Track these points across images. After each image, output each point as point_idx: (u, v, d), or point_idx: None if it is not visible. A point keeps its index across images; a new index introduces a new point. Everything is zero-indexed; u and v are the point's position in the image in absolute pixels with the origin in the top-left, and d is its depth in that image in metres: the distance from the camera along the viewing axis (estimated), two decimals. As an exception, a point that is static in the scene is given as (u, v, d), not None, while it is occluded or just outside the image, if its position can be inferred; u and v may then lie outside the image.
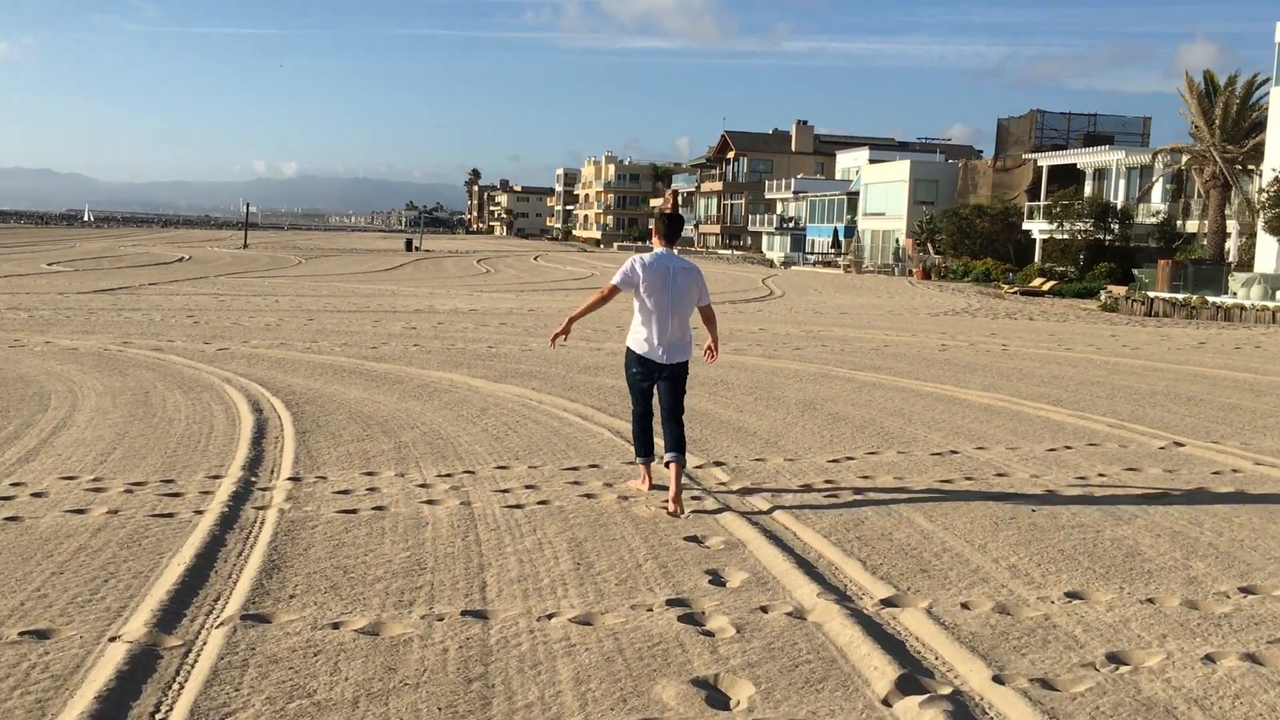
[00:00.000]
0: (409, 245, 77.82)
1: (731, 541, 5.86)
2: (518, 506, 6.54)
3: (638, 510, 6.49)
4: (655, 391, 6.81)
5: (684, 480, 6.88)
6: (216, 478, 7.20)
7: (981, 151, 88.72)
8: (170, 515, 6.22)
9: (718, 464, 7.86)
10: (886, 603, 4.91)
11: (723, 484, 7.25)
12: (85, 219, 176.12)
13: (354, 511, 6.36)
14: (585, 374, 12.71)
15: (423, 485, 7.06)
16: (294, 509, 6.39)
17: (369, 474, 7.38)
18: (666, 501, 6.46)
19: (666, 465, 6.50)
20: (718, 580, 5.20)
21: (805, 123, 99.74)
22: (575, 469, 7.62)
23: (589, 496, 6.82)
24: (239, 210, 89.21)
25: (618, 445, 8.47)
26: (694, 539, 5.91)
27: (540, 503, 6.64)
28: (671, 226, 6.77)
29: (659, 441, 6.93)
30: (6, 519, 6.05)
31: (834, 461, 8.04)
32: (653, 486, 6.88)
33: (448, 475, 7.36)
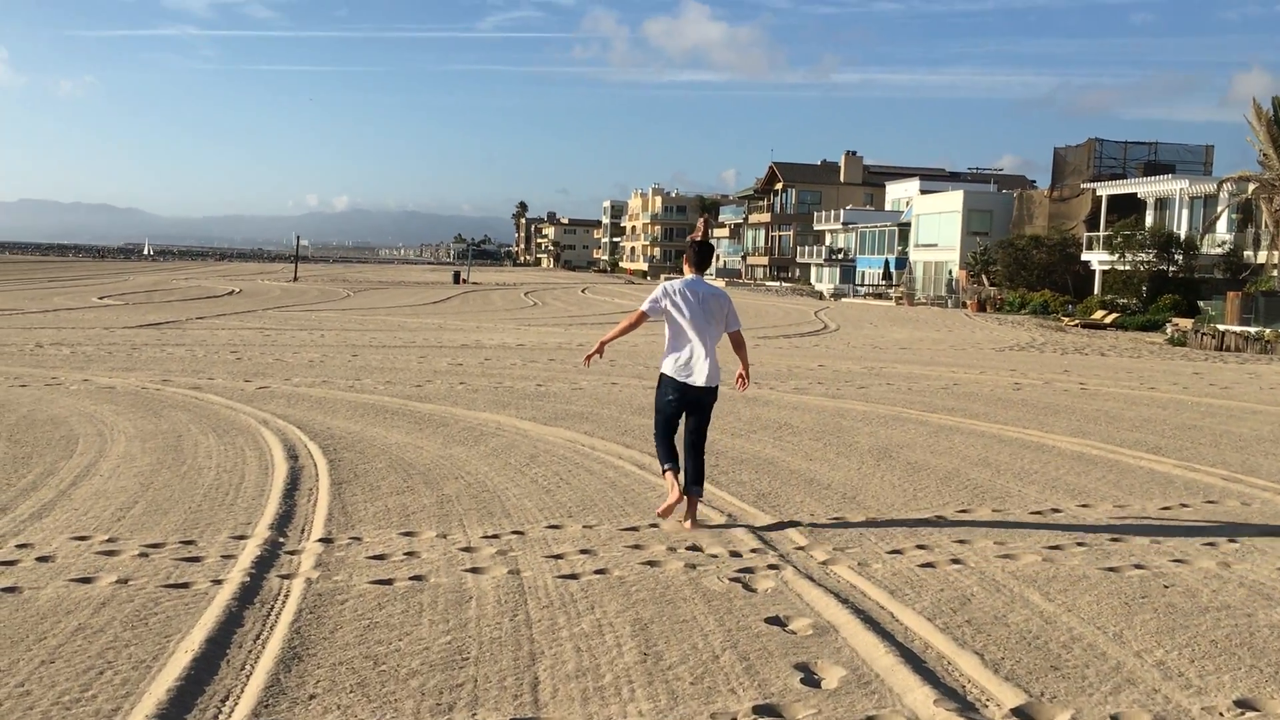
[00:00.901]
0: (456, 278, 77.86)
1: (821, 625, 5.06)
2: (572, 577, 5.79)
3: (708, 583, 5.71)
4: (682, 418, 6.97)
5: (759, 544, 6.36)
6: (241, 538, 6.53)
7: (1034, 181, 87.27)
8: (185, 586, 5.55)
9: (792, 524, 7.06)
10: (1019, 714, 4.08)
11: (801, 548, 6.45)
12: (145, 253, 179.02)
13: (389, 582, 5.65)
14: (639, 416, 11.97)
15: (466, 549, 6.33)
16: (323, 578, 5.69)
17: (408, 534, 6.67)
18: (683, 520, 6.82)
19: (685, 494, 6.82)
20: (810, 679, 4.41)
21: (854, 153, 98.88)
22: (634, 529, 6.86)
23: (652, 564, 6.05)
24: (291, 243, 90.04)
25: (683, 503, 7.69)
26: (777, 621, 5.12)
27: (598, 572, 5.89)
28: (701, 254, 6.95)
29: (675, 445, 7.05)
30: (3, 590, 5.41)
31: (923, 522, 7.21)
32: (681, 499, 6.93)
33: (494, 536, 6.64)
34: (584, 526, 6.92)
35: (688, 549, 6.40)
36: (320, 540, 6.47)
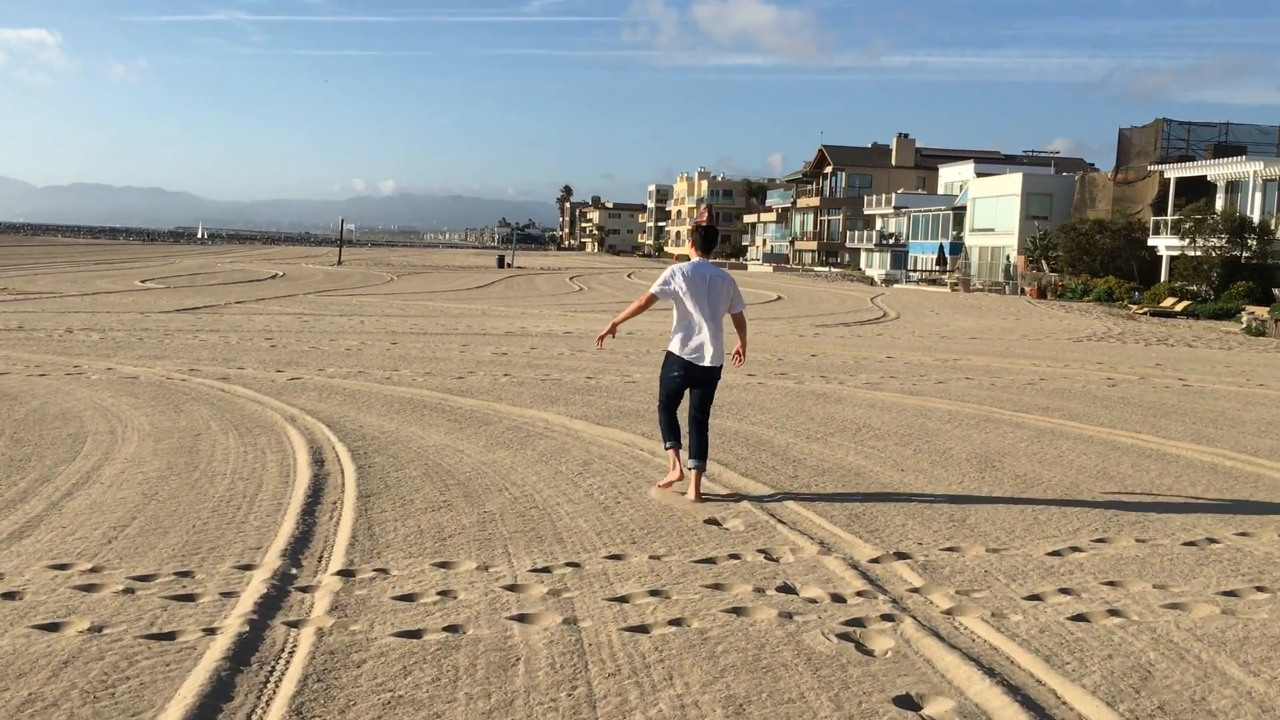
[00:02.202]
0: (501, 262, 77.06)
1: (967, 710, 3.93)
2: (642, 630, 4.70)
3: (811, 641, 4.59)
4: (685, 395, 7.24)
5: (865, 583, 5.38)
6: (248, 568, 5.51)
7: (1093, 165, 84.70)
8: (170, 637, 4.53)
9: (900, 556, 5.91)
10: None
11: (916, 590, 5.31)
12: (200, 236, 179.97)
13: (418, 635, 4.59)
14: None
15: (512, 587, 5.26)
16: (338, 628, 4.65)
17: (443, 565, 5.61)
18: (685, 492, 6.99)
19: (689, 469, 7.07)
20: (974, 800, 3.28)
21: (906, 135, 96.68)
22: (710, 562, 5.75)
23: (738, 613, 4.94)
24: (337, 227, 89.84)
25: (761, 522, 6.57)
26: (908, 703, 3.99)
27: (673, 623, 4.79)
28: (707, 238, 7.22)
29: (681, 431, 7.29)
30: (-51, 641, 4.42)
31: (1055, 554, 6.02)
32: (682, 477, 7.18)
33: (545, 570, 5.56)
34: (650, 557, 5.82)
35: (779, 589, 5.28)
36: (339, 573, 5.43)
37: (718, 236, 7.35)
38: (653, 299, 7.16)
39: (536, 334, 21.02)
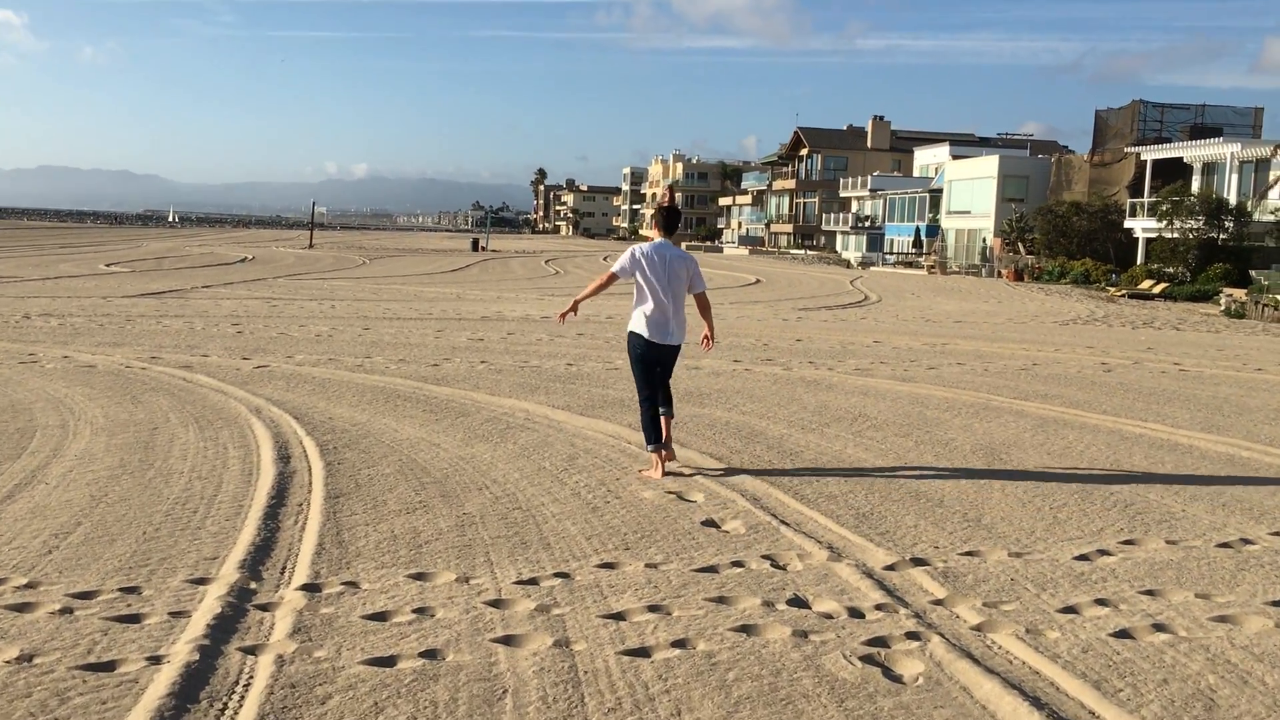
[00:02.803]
0: (475, 245, 76.22)
1: (1017, 749, 3.46)
2: (643, 653, 4.21)
3: (832, 665, 4.12)
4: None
5: (884, 595, 4.91)
6: (201, 581, 4.97)
7: (1067, 147, 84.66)
8: (110, 667, 4.00)
9: (917, 562, 5.44)
10: None
11: (939, 602, 4.84)
12: (171, 220, 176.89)
13: (391, 662, 4.08)
14: (690, 404, 10.36)
15: (496, 602, 4.75)
16: (300, 654, 4.13)
17: (419, 577, 5.10)
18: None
19: (650, 451, 7.22)
20: None
21: (882, 118, 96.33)
22: (713, 571, 5.26)
23: (748, 632, 4.46)
24: (310, 210, 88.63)
25: (762, 524, 6.10)
26: (950, 741, 3.52)
27: (677, 645, 4.30)
28: (669, 219, 7.36)
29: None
30: None
31: (1083, 559, 5.58)
32: (665, 474, 7.15)
33: (531, 581, 5.05)
34: (646, 565, 5.32)
35: (790, 603, 4.80)
36: (304, 587, 4.91)
37: (680, 217, 7.53)
38: (614, 277, 7.32)
39: (513, 318, 20.46)
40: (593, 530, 5.94)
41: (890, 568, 5.32)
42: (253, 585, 4.95)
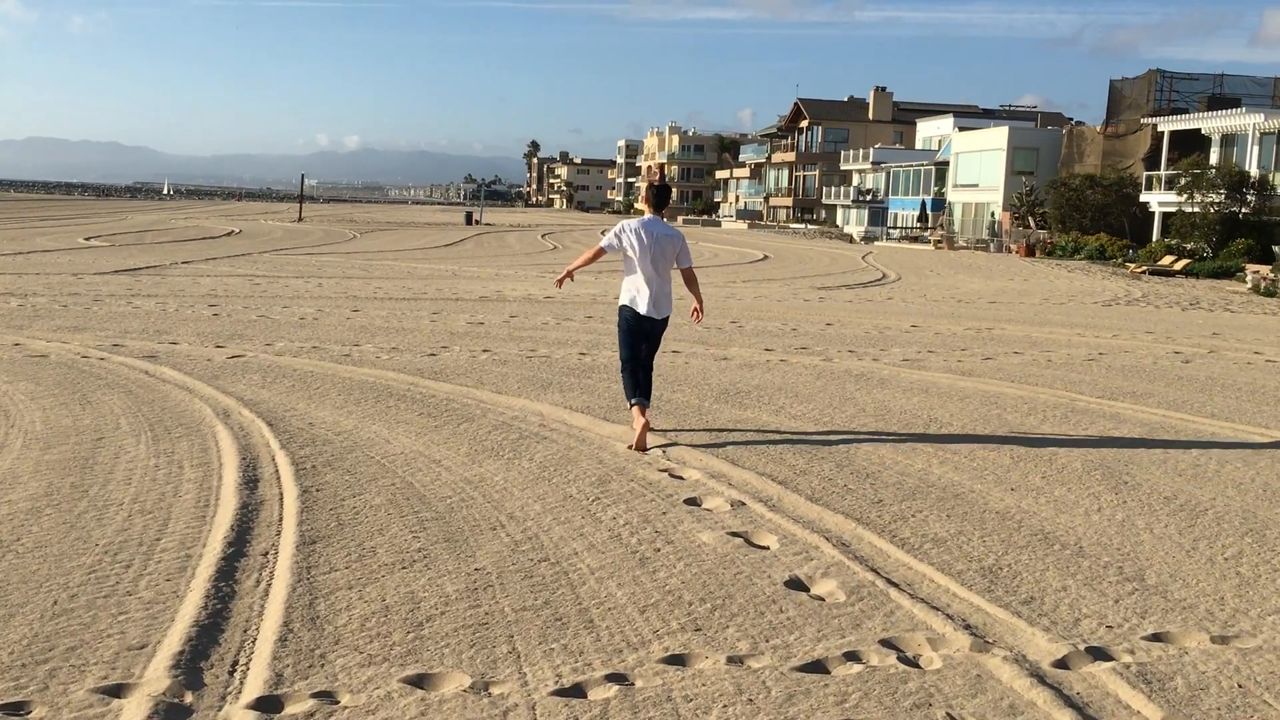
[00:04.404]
0: (469, 219, 74.51)
1: None
2: (761, 838, 2.79)
3: None
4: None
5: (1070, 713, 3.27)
6: (115, 693, 3.56)
7: (1072, 119, 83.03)
8: None
9: (1095, 654, 4.02)
10: None
11: (1139, 716, 3.44)
12: (165, 192, 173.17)
13: None
14: (729, 405, 8.94)
15: (531, 732, 3.34)
16: (243, 847, 2.70)
17: (418, 681, 3.69)
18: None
19: (633, 403, 7.29)
20: None
21: (884, 89, 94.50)
22: (822, 670, 3.85)
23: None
24: (300, 183, 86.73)
25: (865, 587, 4.68)
26: None
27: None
28: (659, 196, 7.49)
29: None
30: None
31: (1310, 644, 4.17)
32: (648, 428, 7.24)
33: (575, 690, 3.64)
34: (729, 660, 3.91)
35: (944, 729, 3.39)
36: (258, 704, 3.49)
37: (669, 194, 7.68)
38: (601, 252, 7.55)
39: (515, 298, 18.99)
40: (646, 596, 4.53)
41: (1062, 664, 3.91)
42: (187, 698, 3.53)
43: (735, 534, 5.42)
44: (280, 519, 5.55)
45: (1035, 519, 5.81)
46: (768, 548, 5.24)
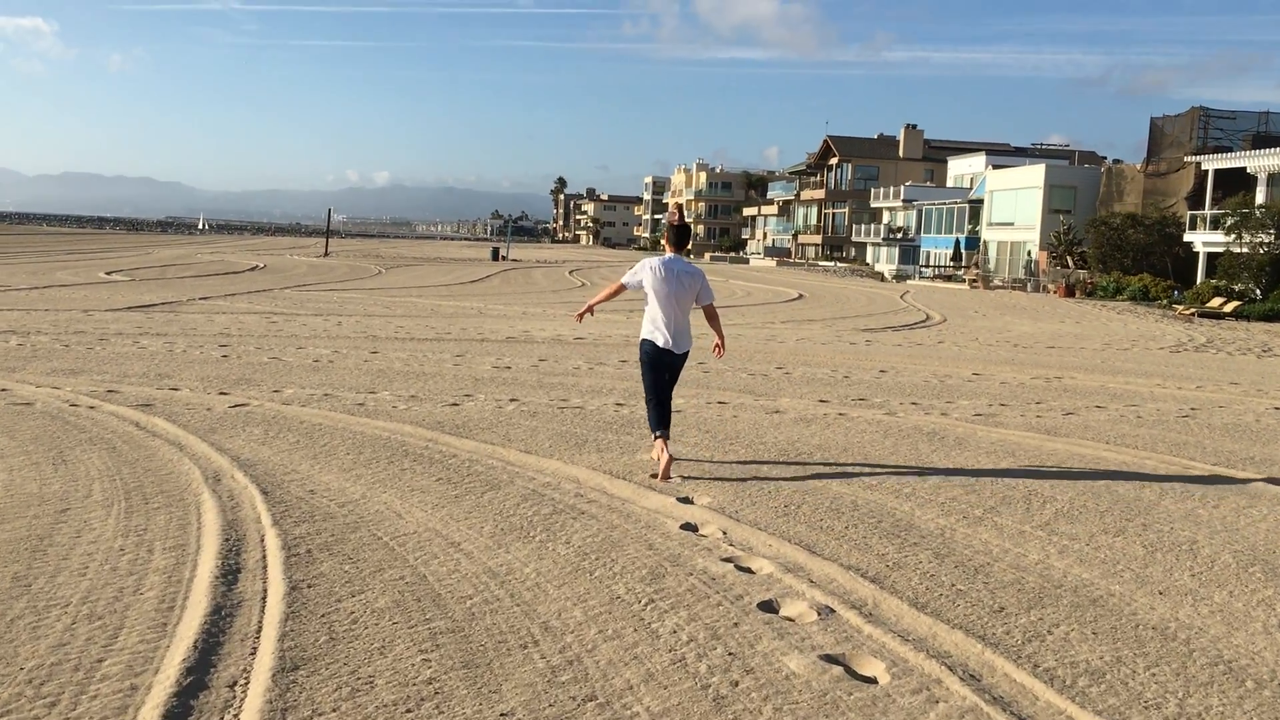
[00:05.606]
0: (495, 254, 73.89)
1: None
2: None
3: None
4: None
5: None
6: None
7: (1106, 158, 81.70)
8: None
9: None
10: None
11: None
12: (200, 228, 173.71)
13: None
14: (790, 468, 7.79)
15: None
16: None
17: None
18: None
19: (656, 436, 7.47)
20: None
21: (914, 126, 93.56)
22: None
23: None
24: (332, 218, 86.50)
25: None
26: None
27: None
28: (680, 235, 7.73)
29: None
30: None
31: None
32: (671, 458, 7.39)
33: None
34: None
35: None
36: None
37: (690, 233, 7.86)
38: (622, 288, 7.75)
39: (543, 339, 17.93)
40: (730, 764, 3.38)
41: None
42: None
43: (830, 658, 4.27)
44: (259, 629, 4.45)
45: (1204, 638, 4.62)
46: (875, 680, 4.08)
